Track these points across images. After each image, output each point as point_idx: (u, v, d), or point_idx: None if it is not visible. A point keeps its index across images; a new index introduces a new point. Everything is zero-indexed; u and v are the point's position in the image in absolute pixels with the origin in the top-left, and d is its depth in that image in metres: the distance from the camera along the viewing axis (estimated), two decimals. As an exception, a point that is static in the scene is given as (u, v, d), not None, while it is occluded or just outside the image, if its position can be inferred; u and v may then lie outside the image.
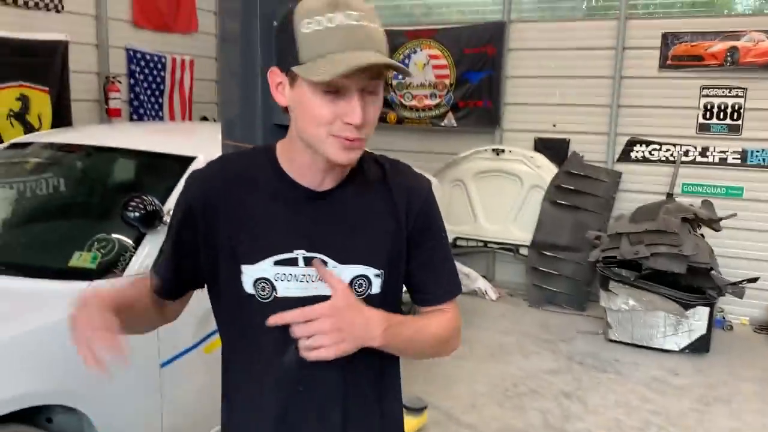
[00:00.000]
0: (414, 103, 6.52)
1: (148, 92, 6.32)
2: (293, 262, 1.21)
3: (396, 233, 1.29)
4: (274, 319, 1.15)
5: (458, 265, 6.14)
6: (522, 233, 6.16)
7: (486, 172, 6.29)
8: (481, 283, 6.15)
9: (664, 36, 5.60)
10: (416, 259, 1.33)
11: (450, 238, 6.35)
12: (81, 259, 2.61)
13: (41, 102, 5.29)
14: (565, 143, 6.10)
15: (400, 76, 6.51)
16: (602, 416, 3.89)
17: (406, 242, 1.30)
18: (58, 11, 5.35)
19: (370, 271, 1.25)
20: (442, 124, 6.45)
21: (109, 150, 3.42)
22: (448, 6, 6.58)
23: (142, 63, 6.18)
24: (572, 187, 5.90)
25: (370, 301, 1.24)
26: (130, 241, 2.66)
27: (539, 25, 6.09)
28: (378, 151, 4.90)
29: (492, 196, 6.30)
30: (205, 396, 2.70)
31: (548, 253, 5.90)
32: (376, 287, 1.26)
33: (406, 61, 6.45)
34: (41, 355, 2.18)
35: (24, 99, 5.18)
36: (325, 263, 1.21)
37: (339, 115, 1.11)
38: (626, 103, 5.83)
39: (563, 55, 5.97)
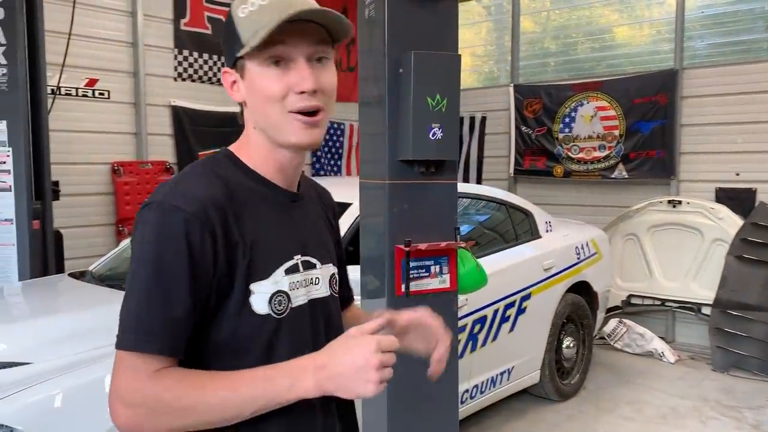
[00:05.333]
0: (582, 155, 6.43)
1: (329, 155, 6.93)
2: (296, 268, 1.19)
3: (332, 233, 1.40)
4: (435, 370, 1.22)
5: (632, 324, 5.79)
6: (704, 291, 5.71)
7: (661, 226, 5.97)
8: (658, 344, 5.75)
9: None
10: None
11: (623, 296, 6.09)
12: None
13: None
14: (750, 193, 5.62)
15: (566, 130, 6.48)
16: (790, 492, 3.44)
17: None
18: (253, 87, 6.15)
19: (335, 270, 1.32)
20: (612, 176, 6.27)
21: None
22: (615, 58, 6.48)
23: (323, 129, 6.82)
24: (762, 241, 5.39)
25: (336, 299, 1.31)
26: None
27: (715, 70, 5.77)
28: (544, 206, 4.93)
29: (669, 251, 5.94)
30: None
31: (735, 313, 5.39)
32: (336, 284, 1.32)
33: (573, 114, 6.43)
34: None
35: (223, 163, 5.96)
36: (314, 265, 1.24)
37: (290, 87, 1.10)
38: (824, 147, 5.28)
39: (744, 100, 5.58)
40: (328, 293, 1.27)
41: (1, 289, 3.74)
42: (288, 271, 1.17)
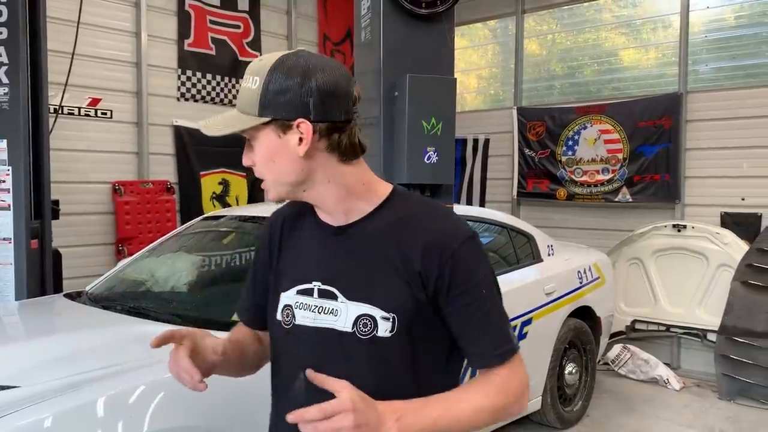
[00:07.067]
0: (585, 178, 6.40)
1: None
2: (310, 292, 1.31)
3: (412, 281, 1.24)
4: (293, 417, 1.11)
5: (636, 350, 5.61)
6: (709, 317, 5.63)
7: (666, 250, 5.91)
8: (662, 371, 5.65)
9: None
10: (454, 317, 1.26)
11: (628, 321, 5.99)
12: (240, 315, 2.92)
13: (239, 185, 6.05)
14: (756, 218, 5.56)
15: (570, 152, 6.45)
16: None
17: (435, 297, 1.25)
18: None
19: (377, 313, 1.23)
20: (616, 199, 6.23)
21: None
22: (620, 81, 6.46)
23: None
24: (768, 267, 5.32)
25: (378, 344, 1.23)
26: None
27: (720, 94, 5.74)
28: (547, 229, 4.81)
29: (674, 276, 5.87)
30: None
31: (741, 340, 5.29)
32: (383, 330, 1.23)
33: (576, 137, 6.41)
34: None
35: (225, 183, 5.96)
36: (335, 296, 1.27)
37: None
38: (830, 172, 5.22)
39: (749, 124, 5.55)
40: (351, 331, 1.25)
41: (-3, 310, 3.71)
42: (301, 292, 1.33)
